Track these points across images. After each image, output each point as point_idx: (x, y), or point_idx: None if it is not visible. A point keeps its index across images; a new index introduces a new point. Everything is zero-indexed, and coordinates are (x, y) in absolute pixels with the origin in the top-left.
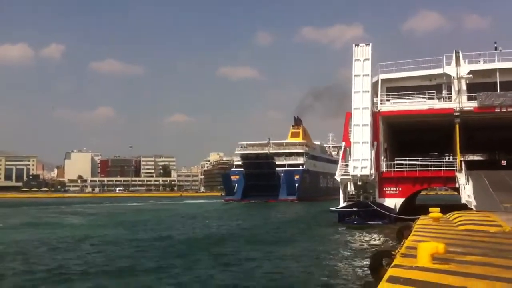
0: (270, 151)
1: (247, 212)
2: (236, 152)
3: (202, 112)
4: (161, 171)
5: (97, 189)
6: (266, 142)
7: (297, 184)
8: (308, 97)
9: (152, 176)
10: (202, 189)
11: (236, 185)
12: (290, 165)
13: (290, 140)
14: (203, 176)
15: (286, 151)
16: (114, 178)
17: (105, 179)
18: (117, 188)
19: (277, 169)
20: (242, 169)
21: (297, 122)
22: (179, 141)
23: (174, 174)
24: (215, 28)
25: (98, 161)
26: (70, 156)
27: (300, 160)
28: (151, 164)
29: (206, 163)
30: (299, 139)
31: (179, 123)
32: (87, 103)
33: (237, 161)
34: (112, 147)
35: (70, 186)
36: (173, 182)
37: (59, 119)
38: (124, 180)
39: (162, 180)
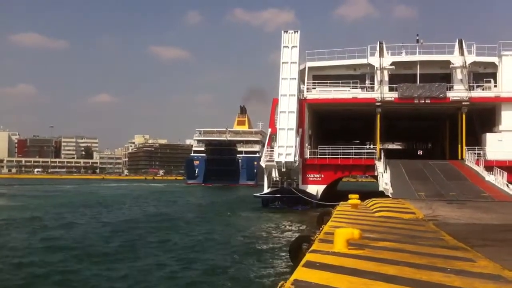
0: (229, 138)
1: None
2: (195, 138)
3: (128, 93)
4: (83, 153)
5: (14, 170)
6: (224, 129)
7: (255, 170)
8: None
9: (73, 158)
10: (126, 172)
11: (197, 169)
12: (247, 152)
13: (238, 128)
14: (127, 159)
15: (244, 138)
16: (32, 159)
17: (23, 159)
18: (35, 170)
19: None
20: (203, 155)
21: (243, 111)
22: (103, 122)
23: (96, 156)
24: (145, 4)
25: (16, 141)
26: None
27: (257, 147)
28: (72, 145)
29: (131, 146)
30: (245, 127)
31: (104, 104)
32: (6, 79)
33: (196, 146)
34: (31, 127)
35: None
36: (95, 164)
37: None
38: (43, 161)
39: (84, 162)
